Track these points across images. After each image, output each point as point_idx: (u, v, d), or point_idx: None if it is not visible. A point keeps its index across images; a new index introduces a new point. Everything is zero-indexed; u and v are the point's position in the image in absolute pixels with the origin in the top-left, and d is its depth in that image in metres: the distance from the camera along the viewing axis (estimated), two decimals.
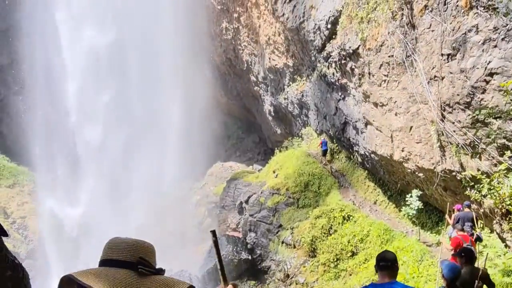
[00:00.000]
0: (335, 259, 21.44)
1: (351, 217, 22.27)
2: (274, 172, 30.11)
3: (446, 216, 14.89)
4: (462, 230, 11.97)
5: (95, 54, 37.56)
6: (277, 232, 27.09)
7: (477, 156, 12.86)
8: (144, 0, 36.64)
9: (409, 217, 18.80)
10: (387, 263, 4.49)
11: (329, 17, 21.17)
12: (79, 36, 38.21)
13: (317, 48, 23.86)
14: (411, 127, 16.02)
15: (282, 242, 25.69)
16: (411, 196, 17.32)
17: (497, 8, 11.39)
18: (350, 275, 20.19)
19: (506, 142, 11.77)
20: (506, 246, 11.96)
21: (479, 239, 11.44)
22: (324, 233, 22.96)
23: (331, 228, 22.89)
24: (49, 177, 42.48)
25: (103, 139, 37.55)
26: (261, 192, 29.64)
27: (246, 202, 31.01)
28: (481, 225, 14.44)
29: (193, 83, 36.66)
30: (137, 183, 36.24)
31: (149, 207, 37.06)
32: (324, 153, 27.58)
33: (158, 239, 34.16)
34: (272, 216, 27.94)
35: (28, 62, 42.08)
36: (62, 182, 40.49)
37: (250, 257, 28.73)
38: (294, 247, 24.57)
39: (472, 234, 12.03)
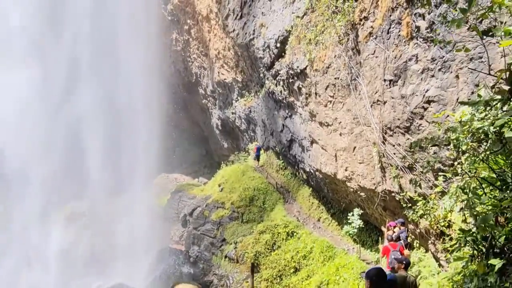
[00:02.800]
0: (278, 275, 21.57)
1: (295, 233, 22.57)
2: (219, 185, 30.03)
3: (383, 228, 15.68)
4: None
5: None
6: (220, 246, 26.94)
7: (415, 179, 13.48)
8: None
9: (351, 235, 19.31)
10: None
11: (279, 36, 21.58)
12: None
13: (266, 65, 24.20)
14: (354, 148, 16.54)
15: (225, 257, 25.54)
16: (352, 215, 17.82)
17: (435, 39, 12.09)
18: None
19: (441, 167, 12.43)
20: (439, 265, 12.57)
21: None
22: (268, 249, 23.08)
23: (275, 243, 23.06)
24: None
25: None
26: (206, 205, 29.48)
27: (190, 214, 30.72)
28: (417, 244, 15.11)
29: (141, 93, 35.98)
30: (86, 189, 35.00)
31: (93, 216, 35.88)
32: (257, 158, 30.05)
33: (101, 251, 33.06)
34: (216, 229, 27.79)
35: None
36: None
37: (192, 271, 28.42)
38: (237, 261, 24.49)
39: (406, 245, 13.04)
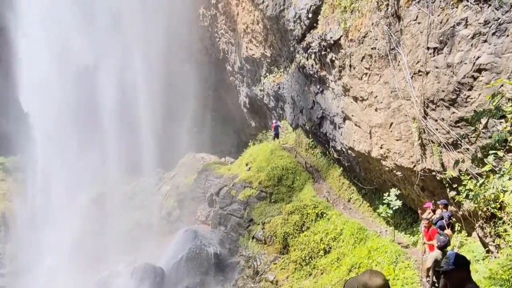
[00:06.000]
0: (307, 257, 20.81)
1: (324, 214, 21.66)
2: (247, 165, 29.31)
3: (419, 210, 14.68)
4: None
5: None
6: (247, 227, 26.34)
7: (460, 155, 12.30)
8: None
9: (384, 216, 18.26)
10: None
11: (311, 6, 20.36)
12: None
13: (296, 38, 23.05)
14: (391, 123, 15.38)
15: (253, 237, 24.92)
16: (388, 195, 16.73)
17: (490, 0, 10.77)
18: (322, 273, 19.56)
19: (492, 142, 11.21)
20: (488, 251, 11.44)
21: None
22: (297, 230, 22.33)
23: (303, 224, 22.27)
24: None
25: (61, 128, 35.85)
26: (233, 185, 28.86)
27: (217, 194, 30.21)
28: (458, 228, 13.99)
29: (167, 72, 35.37)
30: (109, 169, 34.88)
31: (118, 195, 35.87)
32: (276, 136, 29.56)
33: (125, 229, 33.04)
34: (243, 209, 27.18)
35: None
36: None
37: (218, 251, 27.91)
38: (265, 243, 23.83)
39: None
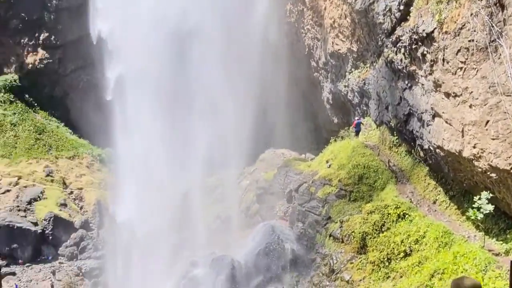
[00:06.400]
0: (385, 259, 20.10)
1: (407, 216, 20.74)
2: (327, 162, 28.86)
3: None
4: None
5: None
6: (325, 224, 25.98)
7: None
8: None
9: (474, 221, 17.05)
10: None
11: None
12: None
13: (385, 31, 22.28)
14: (487, 121, 14.30)
15: (330, 235, 24.56)
16: (479, 198, 15.59)
17: None
18: (401, 277, 18.80)
19: None
20: None
21: None
22: (376, 230, 21.66)
23: (384, 225, 21.54)
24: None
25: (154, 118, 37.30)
26: (312, 182, 28.58)
27: (296, 190, 30.15)
28: None
29: (249, 67, 35.72)
30: (191, 160, 36.02)
31: (202, 188, 36.81)
32: (356, 133, 28.81)
33: (205, 222, 34.05)
34: (321, 207, 26.84)
35: (95, 39, 43.02)
36: None
37: (295, 248, 27.91)
38: (342, 241, 23.40)
39: None
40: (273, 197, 32.88)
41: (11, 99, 47.54)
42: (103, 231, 39.89)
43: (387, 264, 19.97)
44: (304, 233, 27.55)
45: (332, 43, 31.24)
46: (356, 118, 29.43)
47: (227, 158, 36.06)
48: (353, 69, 30.03)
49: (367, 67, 28.45)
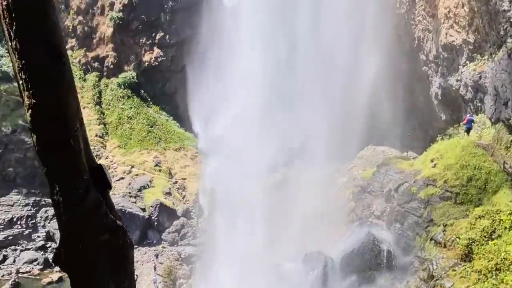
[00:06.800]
0: (494, 269, 17.98)
1: None
2: (432, 161, 26.76)
3: None
4: None
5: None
6: (426, 227, 24.26)
7: None
8: None
9: None
10: None
11: None
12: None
13: (510, 20, 19.99)
14: None
15: (431, 239, 22.99)
16: None
17: None
18: None
19: None
20: None
21: None
22: (485, 237, 19.76)
23: (494, 232, 19.56)
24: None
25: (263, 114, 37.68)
26: (414, 182, 26.86)
27: (396, 190, 28.63)
28: None
29: (355, 62, 34.58)
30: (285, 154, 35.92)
31: (297, 181, 36.52)
32: (467, 131, 26.87)
33: (299, 216, 33.54)
34: (423, 208, 25.09)
35: (207, 37, 44.99)
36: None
37: (392, 250, 26.46)
38: (445, 246, 21.66)
39: None
40: (370, 196, 31.45)
41: (129, 94, 51.34)
42: (201, 220, 41.52)
43: (495, 275, 17.83)
44: (402, 235, 25.95)
45: (446, 34, 28.96)
46: (468, 115, 26.98)
47: (323, 154, 35.21)
48: (467, 62, 27.52)
49: (484, 60, 25.95)
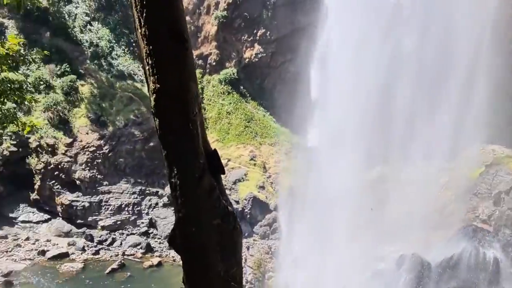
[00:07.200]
0: None
1: None
2: None
3: None
4: None
5: None
6: None
7: None
8: None
9: None
10: None
11: None
12: None
13: None
14: None
15: None
16: None
17: None
18: None
19: None
20: None
21: None
22: None
23: None
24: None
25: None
26: None
27: (507, 193, 26.99)
28: None
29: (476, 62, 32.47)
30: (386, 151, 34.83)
31: (394, 180, 35.31)
32: None
33: (394, 216, 32.40)
34: None
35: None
36: None
37: (499, 257, 24.88)
38: None
39: None
40: (476, 198, 29.58)
41: (229, 90, 53.30)
42: (292, 215, 41.83)
43: None
44: (511, 242, 24.11)
45: None
46: None
47: (424, 152, 33.54)
48: None
49: None
